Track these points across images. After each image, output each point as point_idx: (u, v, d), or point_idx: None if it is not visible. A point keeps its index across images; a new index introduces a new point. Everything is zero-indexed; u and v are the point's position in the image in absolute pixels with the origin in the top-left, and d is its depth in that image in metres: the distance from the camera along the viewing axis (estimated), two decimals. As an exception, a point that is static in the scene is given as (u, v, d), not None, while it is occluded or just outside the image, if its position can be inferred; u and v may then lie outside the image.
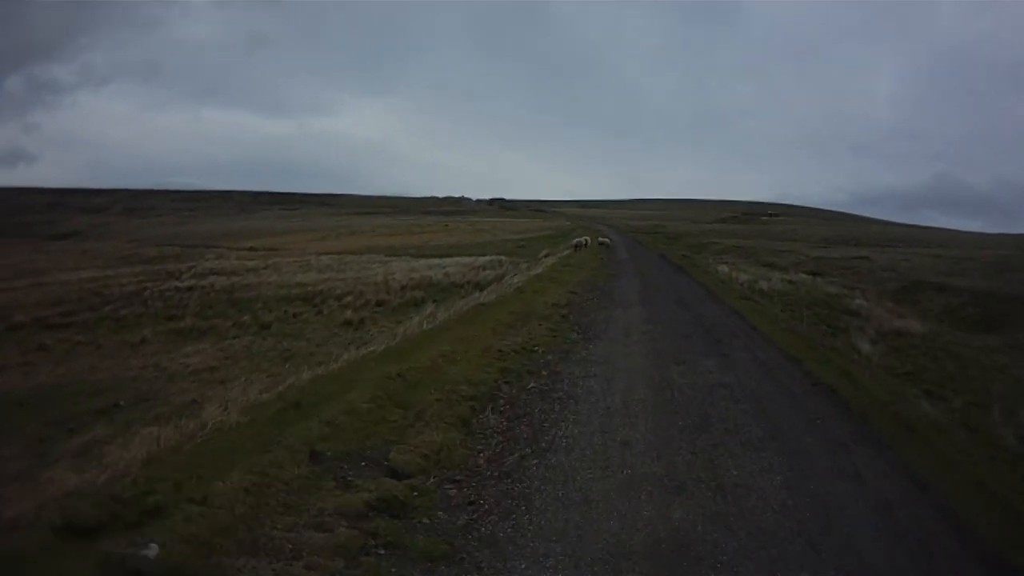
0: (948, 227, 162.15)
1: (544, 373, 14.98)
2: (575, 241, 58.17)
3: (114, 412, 20.46)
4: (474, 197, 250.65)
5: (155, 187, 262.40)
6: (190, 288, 44.12)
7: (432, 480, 8.97)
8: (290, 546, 6.78)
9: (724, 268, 43.36)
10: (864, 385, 14.75)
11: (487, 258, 53.03)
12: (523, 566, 6.96)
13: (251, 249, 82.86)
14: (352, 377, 13.55)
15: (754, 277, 38.15)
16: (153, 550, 6.13)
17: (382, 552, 7.02)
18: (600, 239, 64.26)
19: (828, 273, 44.62)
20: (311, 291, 39.79)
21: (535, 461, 9.78)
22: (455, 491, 8.76)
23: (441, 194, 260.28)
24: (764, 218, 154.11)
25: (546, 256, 49.94)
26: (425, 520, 7.90)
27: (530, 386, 13.92)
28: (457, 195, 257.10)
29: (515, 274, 37.21)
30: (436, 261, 53.86)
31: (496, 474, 9.34)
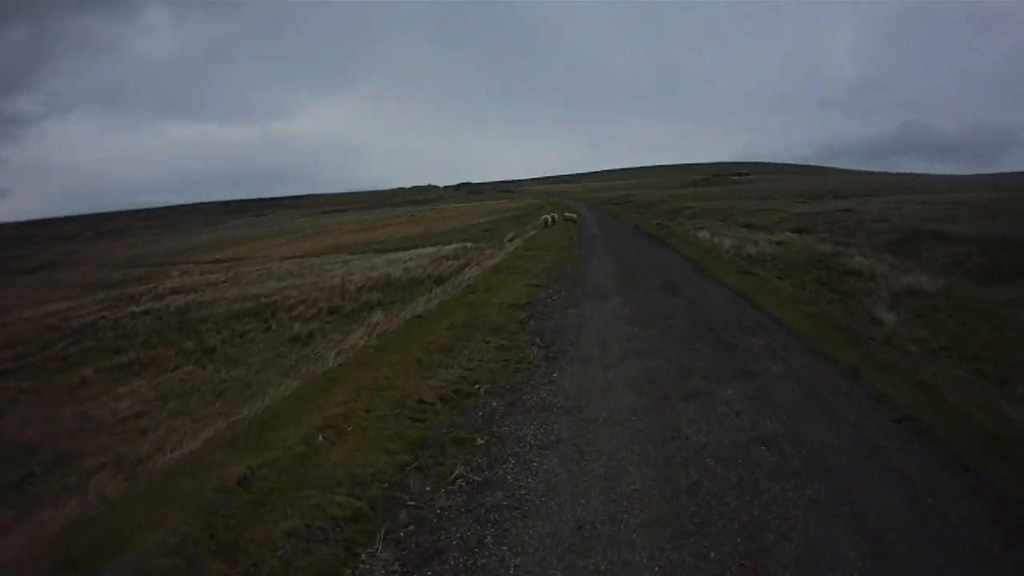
0: (921, 172, 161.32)
1: (480, 443, 9.68)
2: (542, 218, 55.73)
3: (28, 484, 17.54)
4: (441, 184, 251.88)
5: (124, 208, 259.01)
6: (146, 312, 41.09)
7: None
8: None
9: (704, 234, 39.72)
10: (944, 397, 10.72)
11: (452, 246, 48.97)
12: None
13: (217, 261, 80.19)
14: (174, 493, 8.43)
15: (739, 241, 34.57)
16: None
17: None
18: (566, 214, 60.64)
19: (815, 229, 40.37)
20: (265, 303, 36.53)
21: None
22: None
23: (408, 184, 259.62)
24: (735, 177, 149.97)
25: (511, 239, 45.54)
26: None
27: (454, 477, 8.60)
28: (424, 184, 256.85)
29: (476, 264, 33.55)
30: (399, 255, 50.80)
31: None
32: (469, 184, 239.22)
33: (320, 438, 9.68)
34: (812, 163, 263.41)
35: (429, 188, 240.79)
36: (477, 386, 12.02)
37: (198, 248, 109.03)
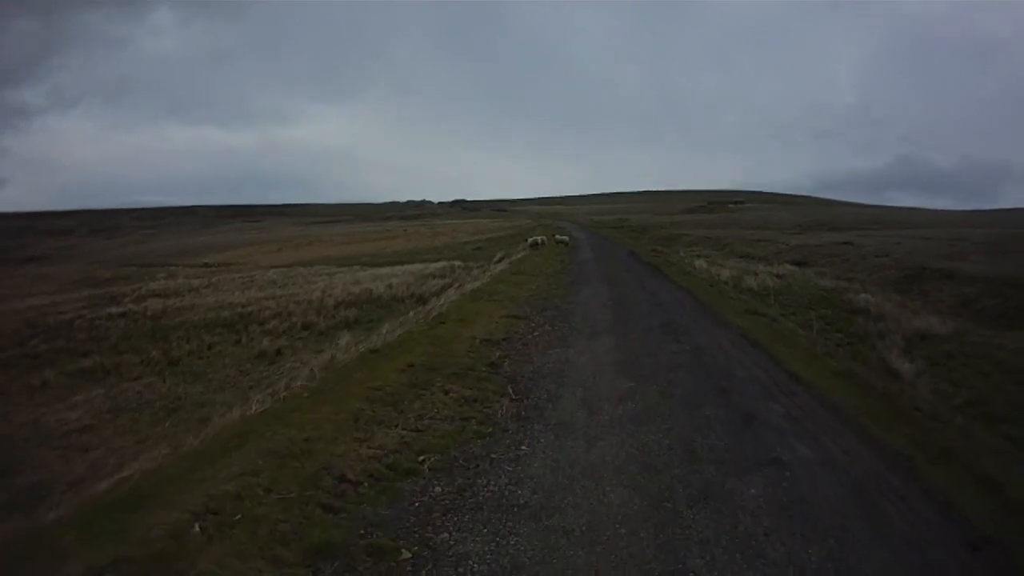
0: (916, 206, 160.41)
1: (405, 557, 6.94)
2: (531, 240, 54.08)
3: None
4: (436, 200, 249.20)
5: (121, 206, 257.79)
6: (123, 314, 38.88)
7: None
8: None
9: (701, 263, 38.18)
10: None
11: (440, 264, 48.57)
12: None
13: (205, 265, 79.42)
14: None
15: (738, 273, 33.11)
16: None
17: None
18: (557, 237, 59.11)
19: (814, 262, 39.45)
20: (240, 313, 34.92)
21: None
22: None
23: (403, 198, 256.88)
24: (731, 205, 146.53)
25: (500, 260, 43.76)
26: None
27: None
28: (419, 198, 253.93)
29: (457, 286, 32.03)
30: (386, 270, 49.25)
31: None
32: (464, 201, 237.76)
33: (196, 528, 7.11)
34: (808, 193, 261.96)
35: (424, 203, 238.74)
36: (422, 458, 9.34)
37: (189, 251, 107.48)
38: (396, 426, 10.55)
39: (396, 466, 9.01)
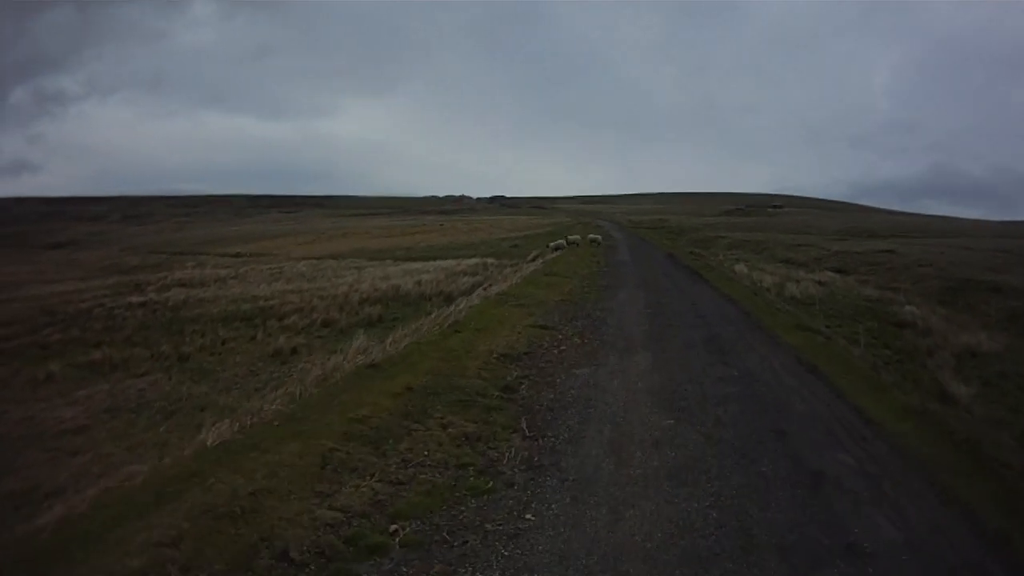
0: (950, 215, 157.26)
1: None
2: (568, 239, 51.78)
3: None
4: (475, 195, 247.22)
5: (156, 193, 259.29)
6: (143, 304, 38.58)
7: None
8: None
9: (742, 268, 36.53)
10: None
11: (473, 260, 46.95)
12: None
13: (236, 255, 77.74)
14: None
15: (779, 279, 31.25)
16: None
17: None
18: (591, 236, 56.66)
19: (856, 270, 37.75)
20: (262, 306, 33.91)
21: None
22: None
23: (442, 193, 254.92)
24: (770, 209, 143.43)
25: (534, 259, 41.70)
26: None
27: None
28: (458, 194, 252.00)
29: (488, 284, 30.28)
30: (417, 265, 48.20)
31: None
32: (503, 198, 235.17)
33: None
34: (844, 199, 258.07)
35: (462, 198, 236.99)
36: (394, 528, 7.13)
37: (222, 240, 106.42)
38: (372, 476, 8.41)
39: (358, 539, 6.82)
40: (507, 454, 9.14)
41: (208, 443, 9.55)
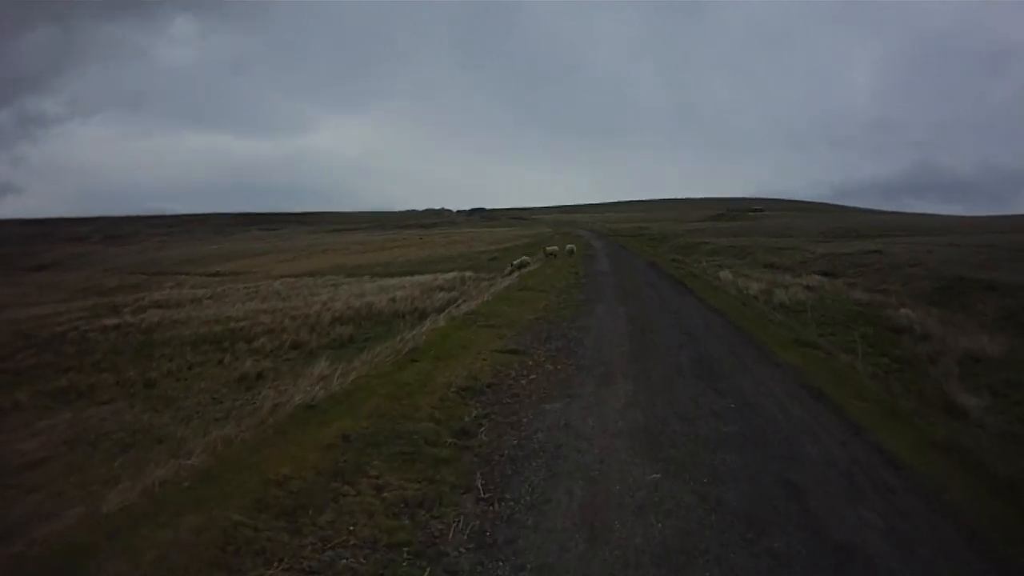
0: (933, 212, 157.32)
1: None
2: (545, 251, 51.46)
3: None
4: (454, 208, 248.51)
5: (137, 213, 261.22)
6: (118, 327, 37.90)
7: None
8: None
9: (727, 275, 35.24)
10: None
11: (451, 275, 46.21)
12: None
13: (216, 274, 78.14)
14: None
15: (766, 285, 30.69)
16: None
17: None
18: (568, 246, 55.35)
19: (843, 273, 37.99)
20: (233, 328, 33.41)
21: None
22: None
23: (421, 207, 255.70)
24: (751, 213, 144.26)
25: (510, 272, 40.12)
26: None
27: None
28: (437, 207, 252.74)
29: (461, 301, 28.71)
30: (394, 281, 47.64)
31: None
32: (482, 210, 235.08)
33: None
34: (827, 200, 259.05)
35: (442, 211, 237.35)
36: None
37: (202, 259, 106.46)
38: (279, 561, 6.47)
39: None
40: (454, 526, 7.16)
41: (104, 510, 7.89)
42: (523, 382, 13.14)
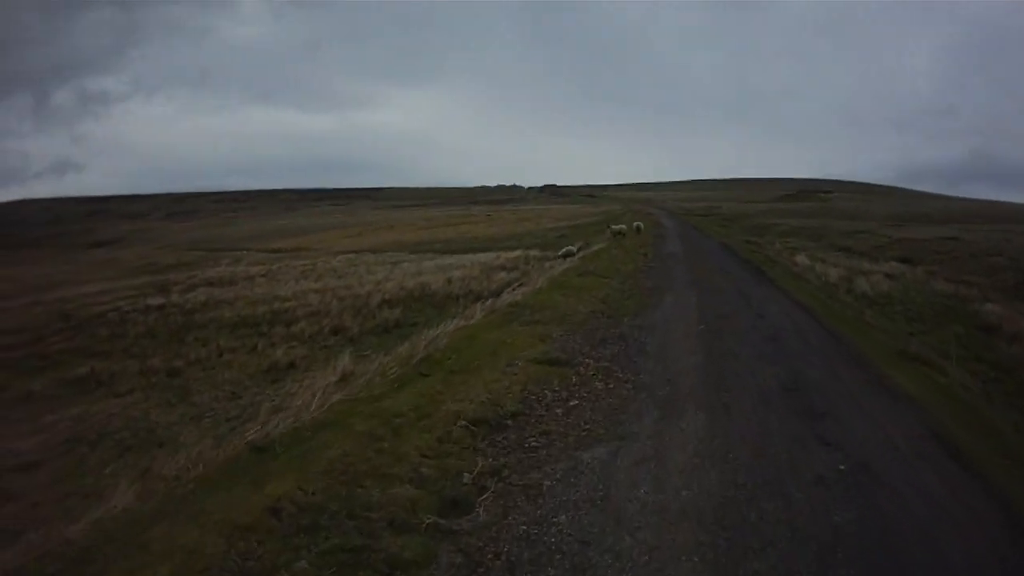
0: (993, 199, 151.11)
1: None
2: (615, 228, 45.70)
3: None
4: (526, 185, 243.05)
5: (201, 189, 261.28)
6: (161, 307, 36.65)
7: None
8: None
9: (803, 259, 32.80)
10: None
11: (515, 253, 43.54)
12: None
13: (275, 250, 76.41)
14: None
15: (846, 272, 28.31)
16: None
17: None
18: (636, 223, 50.89)
19: (921, 260, 36.01)
20: (276, 309, 31.71)
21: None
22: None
23: (493, 183, 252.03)
24: (822, 195, 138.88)
25: (569, 254, 35.78)
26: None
27: None
28: (509, 183, 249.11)
29: (519, 284, 26.66)
30: (454, 260, 44.78)
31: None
32: (553, 186, 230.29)
33: None
34: (891, 184, 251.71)
35: (513, 188, 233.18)
36: None
37: (266, 235, 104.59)
38: None
39: None
40: None
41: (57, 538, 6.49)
42: (559, 411, 9.70)
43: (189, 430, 16.43)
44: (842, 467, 7.71)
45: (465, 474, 7.44)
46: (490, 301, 20.50)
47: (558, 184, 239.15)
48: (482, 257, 43.99)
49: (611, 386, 10.81)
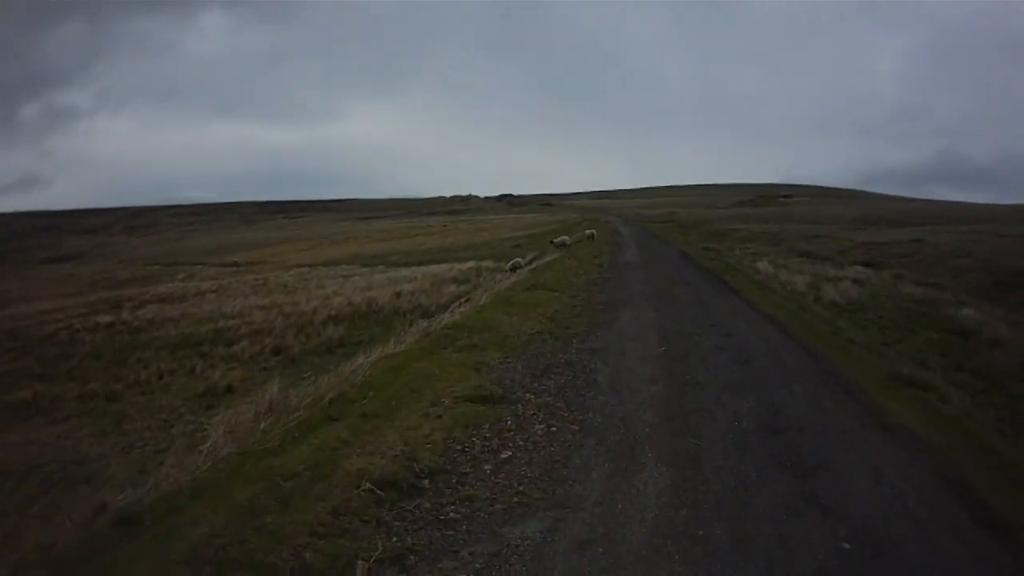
0: (958, 200, 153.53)
1: None
2: (556, 241, 45.89)
3: None
4: (482, 194, 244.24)
5: (161, 203, 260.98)
6: (109, 325, 35.95)
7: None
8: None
9: (766, 266, 31.49)
10: None
11: (468, 264, 43.44)
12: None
13: (232, 264, 76.56)
14: None
15: (811, 278, 27.07)
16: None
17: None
18: (588, 231, 52.25)
19: (887, 264, 34.93)
20: (221, 327, 30.99)
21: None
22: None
23: (449, 193, 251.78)
24: (780, 199, 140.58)
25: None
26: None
27: None
28: (465, 193, 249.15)
29: (467, 299, 24.93)
30: (407, 272, 44.66)
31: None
32: (510, 196, 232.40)
33: None
34: (853, 187, 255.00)
35: (469, 198, 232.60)
36: None
37: (223, 249, 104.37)
38: None
39: None
40: None
41: None
42: (487, 467, 7.86)
43: (118, 462, 15.42)
44: (846, 546, 5.90)
45: (360, 562, 5.65)
46: (426, 323, 18.53)
47: (514, 194, 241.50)
48: (435, 269, 43.69)
49: (553, 429, 9.06)
